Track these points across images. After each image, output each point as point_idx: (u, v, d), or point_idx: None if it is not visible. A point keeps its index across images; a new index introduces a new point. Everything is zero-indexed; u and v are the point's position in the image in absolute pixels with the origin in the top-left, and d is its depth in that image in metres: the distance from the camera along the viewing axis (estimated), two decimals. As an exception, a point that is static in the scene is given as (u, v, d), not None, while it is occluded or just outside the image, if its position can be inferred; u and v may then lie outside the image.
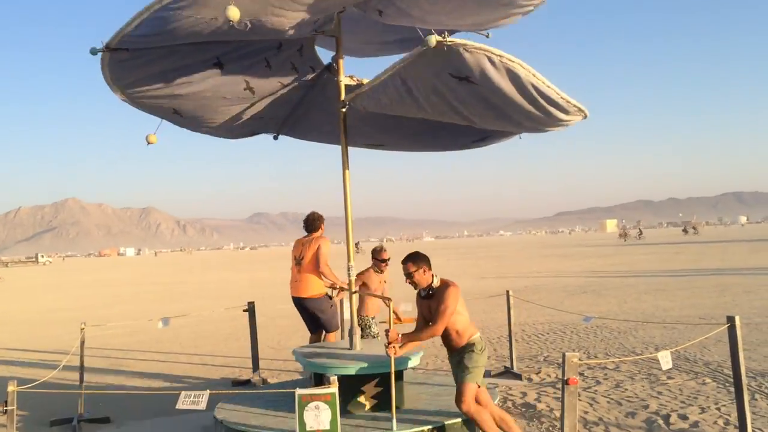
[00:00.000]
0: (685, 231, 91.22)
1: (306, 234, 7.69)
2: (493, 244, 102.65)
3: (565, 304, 15.78)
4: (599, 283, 21.50)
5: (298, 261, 7.51)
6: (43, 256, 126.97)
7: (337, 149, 6.67)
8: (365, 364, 5.41)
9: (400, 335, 5.02)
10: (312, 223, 7.69)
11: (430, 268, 5.04)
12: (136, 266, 78.55)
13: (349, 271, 6.50)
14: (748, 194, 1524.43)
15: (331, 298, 7.54)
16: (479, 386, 4.92)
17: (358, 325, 7.30)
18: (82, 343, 7.35)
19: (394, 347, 4.96)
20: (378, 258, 7.98)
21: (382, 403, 5.53)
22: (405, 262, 5.07)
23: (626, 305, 15.18)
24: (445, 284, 4.99)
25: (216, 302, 20.89)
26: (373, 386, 5.55)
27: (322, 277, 7.42)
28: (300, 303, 7.50)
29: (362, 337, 7.39)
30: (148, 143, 6.48)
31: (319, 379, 5.58)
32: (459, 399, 4.77)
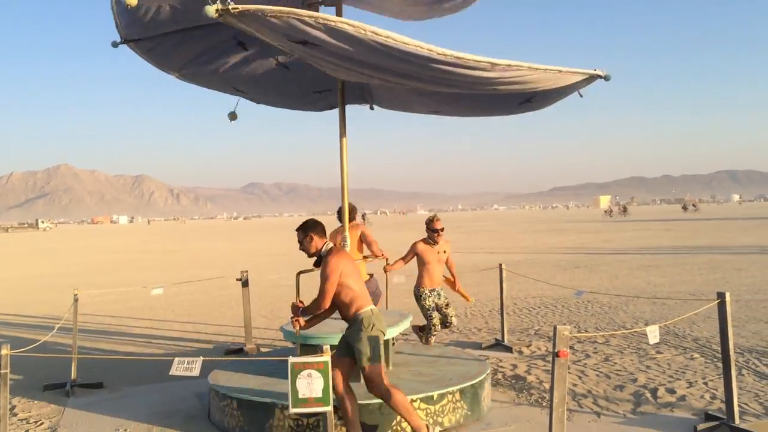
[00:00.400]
0: (684, 208, 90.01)
1: (341, 224, 7.10)
2: (486, 218, 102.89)
3: (557, 278, 15.88)
4: (591, 259, 21.62)
5: None
6: (43, 222, 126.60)
7: (334, 120, 6.64)
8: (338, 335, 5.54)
9: (301, 308, 4.87)
10: (348, 213, 7.03)
11: (320, 237, 4.88)
12: (130, 234, 78.48)
13: (344, 243, 6.51)
14: (741, 173, 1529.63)
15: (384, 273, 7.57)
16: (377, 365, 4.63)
17: (424, 299, 7.48)
18: (75, 308, 7.36)
19: (297, 321, 4.82)
20: (431, 228, 7.68)
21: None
22: (296, 230, 5.00)
23: (618, 281, 15.29)
24: (327, 253, 4.80)
25: (209, 271, 20.92)
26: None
27: (379, 255, 7.17)
28: None
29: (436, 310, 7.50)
30: (231, 120, 6.61)
31: (305, 349, 5.74)
32: (369, 386, 4.58)
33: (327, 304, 4.67)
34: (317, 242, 4.85)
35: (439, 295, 7.62)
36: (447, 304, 7.62)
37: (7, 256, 37.29)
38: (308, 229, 4.85)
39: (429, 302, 7.53)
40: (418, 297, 7.60)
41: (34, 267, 26.88)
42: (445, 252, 7.72)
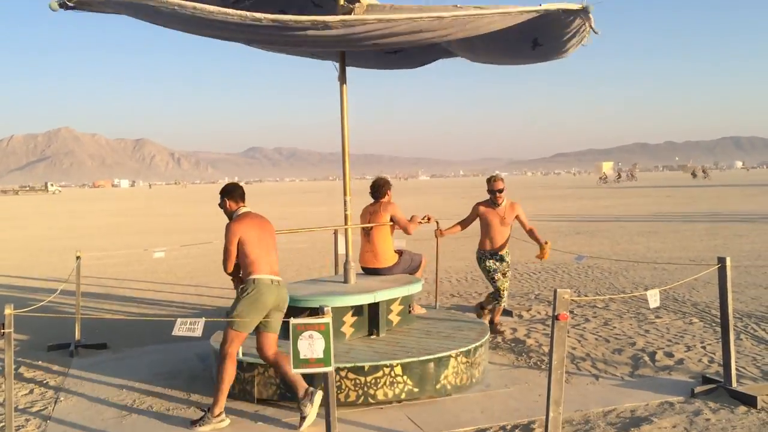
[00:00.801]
0: (693, 175, 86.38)
1: (372, 201, 6.93)
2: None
3: (558, 244, 15.91)
4: (593, 225, 21.65)
5: (366, 231, 6.83)
6: (53, 185, 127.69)
7: (335, 84, 6.56)
8: (336, 297, 5.65)
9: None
10: (379, 189, 6.89)
11: (235, 201, 5.11)
12: (132, 198, 78.54)
13: (345, 205, 6.50)
14: (745, 139, 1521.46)
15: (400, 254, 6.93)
16: (265, 334, 4.83)
17: (482, 261, 7.39)
18: (78, 269, 7.40)
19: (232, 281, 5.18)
20: (489, 189, 7.44)
21: (357, 332, 5.77)
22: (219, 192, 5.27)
23: (618, 246, 15.32)
24: (232, 219, 5.02)
25: (211, 235, 20.97)
26: (350, 316, 5.76)
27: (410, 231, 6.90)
28: (376, 273, 6.80)
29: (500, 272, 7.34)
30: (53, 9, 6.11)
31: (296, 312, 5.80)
32: (222, 342, 4.84)
33: (228, 267, 4.97)
34: (231, 205, 5.12)
35: (501, 259, 7.37)
36: (505, 273, 7.36)
37: (15, 218, 37.37)
38: (224, 193, 5.15)
39: (489, 264, 7.32)
40: (479, 260, 7.47)
41: (38, 229, 26.96)
42: (506, 216, 7.35)
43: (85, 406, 5.32)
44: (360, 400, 5.03)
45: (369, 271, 6.82)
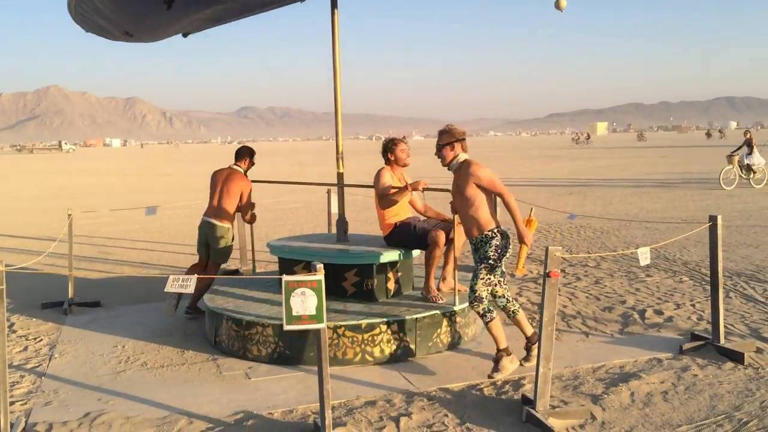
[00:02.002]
0: (708, 135, 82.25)
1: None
2: (482, 144, 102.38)
3: (551, 203, 15.95)
4: (585, 185, 21.67)
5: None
6: (66, 144, 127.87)
7: (327, 43, 6.45)
8: (330, 255, 5.70)
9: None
10: (384, 150, 6.16)
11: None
12: (124, 157, 77.97)
13: (338, 163, 6.45)
14: (740, 99, 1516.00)
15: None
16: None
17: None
18: (71, 227, 7.38)
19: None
20: None
21: (358, 291, 5.76)
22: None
23: (611, 206, 15.37)
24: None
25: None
26: (353, 275, 5.76)
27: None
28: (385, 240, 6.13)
29: None
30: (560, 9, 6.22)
31: (283, 264, 6.08)
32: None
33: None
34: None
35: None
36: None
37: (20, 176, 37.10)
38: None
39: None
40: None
41: (29, 189, 26.80)
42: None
43: (80, 362, 5.36)
44: (357, 358, 5.08)
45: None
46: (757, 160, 19.45)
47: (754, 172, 19.35)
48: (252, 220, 6.88)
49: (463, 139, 5.04)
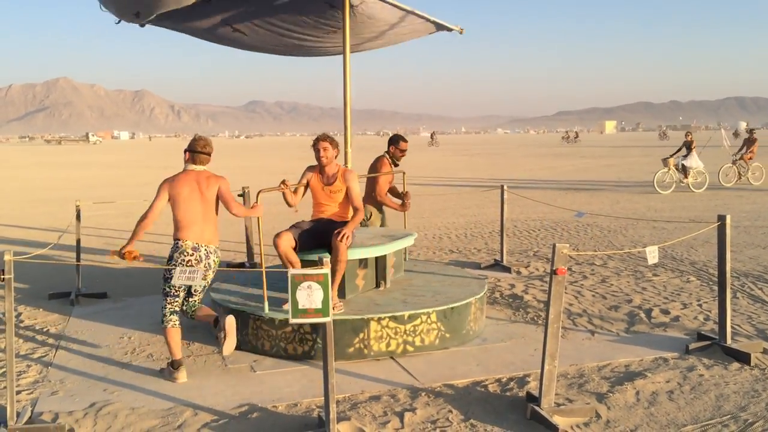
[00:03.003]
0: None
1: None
2: (489, 142, 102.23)
3: (559, 201, 15.91)
4: (593, 183, 21.60)
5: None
6: (93, 135, 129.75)
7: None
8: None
9: None
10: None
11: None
12: (133, 150, 78.21)
13: (345, 158, 6.46)
14: (749, 99, 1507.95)
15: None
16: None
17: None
18: (78, 219, 7.41)
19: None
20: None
21: (368, 283, 5.83)
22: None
23: (618, 205, 15.32)
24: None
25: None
26: (360, 268, 5.79)
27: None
28: None
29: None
30: None
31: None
32: None
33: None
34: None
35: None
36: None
37: (10, 168, 37.26)
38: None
39: None
40: None
41: (40, 180, 26.91)
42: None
43: (86, 353, 5.39)
44: (399, 349, 5.16)
45: None
46: (694, 163, 18.45)
47: (691, 176, 18.46)
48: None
49: None
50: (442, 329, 5.35)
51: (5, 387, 3.94)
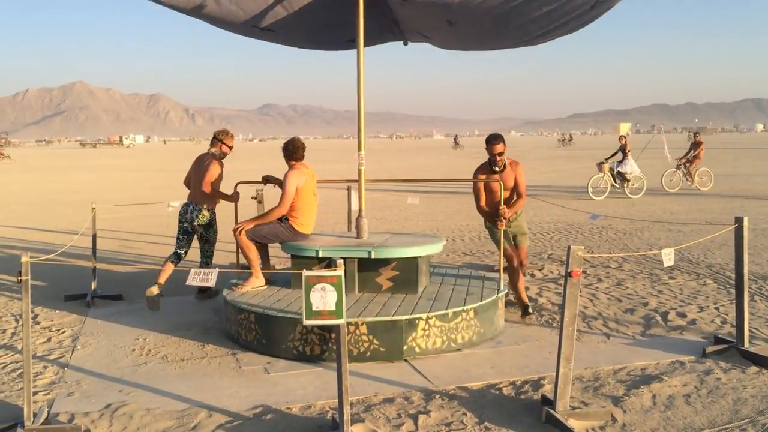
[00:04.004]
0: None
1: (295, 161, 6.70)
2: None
3: (573, 204, 15.81)
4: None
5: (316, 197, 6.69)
6: (126, 138, 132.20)
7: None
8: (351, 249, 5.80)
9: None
10: (299, 150, 6.58)
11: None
12: (147, 153, 78.83)
13: (360, 161, 6.45)
14: (767, 101, 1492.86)
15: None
16: None
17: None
18: (94, 221, 7.47)
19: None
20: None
21: (396, 285, 5.86)
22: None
23: (633, 208, 15.21)
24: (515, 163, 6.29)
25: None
26: (390, 269, 5.85)
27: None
28: None
29: None
30: None
31: (296, 261, 6.13)
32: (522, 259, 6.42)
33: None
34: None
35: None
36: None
37: (23, 171, 37.65)
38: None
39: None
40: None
41: (55, 183, 27.17)
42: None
43: (102, 354, 5.42)
44: (444, 346, 5.30)
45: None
46: (630, 168, 17.80)
47: (628, 181, 17.81)
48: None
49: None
50: (477, 325, 5.50)
51: (22, 388, 3.98)
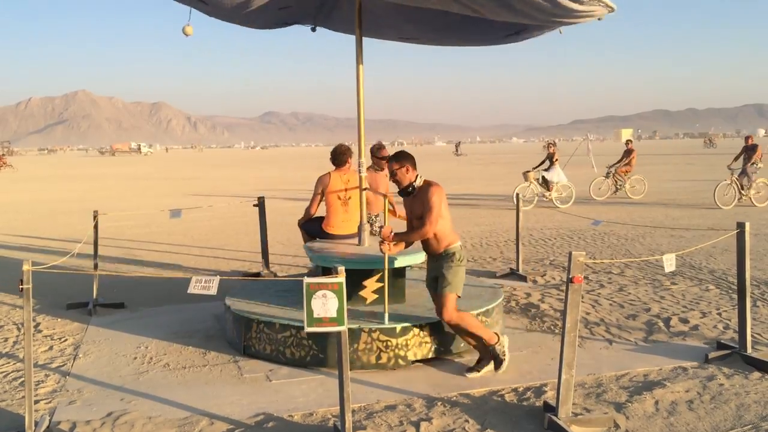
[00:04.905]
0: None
1: (335, 167, 6.99)
2: (504, 151, 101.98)
3: (574, 210, 15.80)
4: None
5: (344, 200, 6.84)
6: (144, 146, 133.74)
7: (351, 47, 6.46)
8: (366, 259, 5.64)
9: (392, 233, 5.06)
10: (339, 156, 6.96)
11: (413, 168, 5.04)
12: (150, 161, 78.98)
13: (359, 168, 6.46)
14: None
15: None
16: (459, 296, 4.95)
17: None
18: (96, 229, 7.48)
19: (387, 245, 5.05)
20: (377, 156, 7.75)
21: (381, 298, 5.70)
22: (389, 160, 5.13)
23: (635, 213, 15.20)
24: (428, 184, 4.97)
25: (227, 199, 21.08)
26: (374, 281, 5.68)
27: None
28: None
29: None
30: (186, 35, 6.35)
31: (326, 272, 5.77)
32: (440, 311, 4.89)
33: (431, 232, 4.90)
34: (412, 174, 5.02)
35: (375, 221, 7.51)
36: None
37: (26, 180, 37.74)
38: (404, 160, 5.01)
39: None
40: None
41: (57, 192, 27.23)
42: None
43: (104, 362, 5.42)
44: (391, 363, 5.12)
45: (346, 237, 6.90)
46: (557, 177, 17.17)
47: (550, 190, 17.15)
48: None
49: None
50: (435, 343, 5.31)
51: (24, 396, 3.97)
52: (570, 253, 3.90)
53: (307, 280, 3.57)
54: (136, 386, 4.84)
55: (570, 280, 3.90)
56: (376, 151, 7.83)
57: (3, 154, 58.14)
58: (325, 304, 3.54)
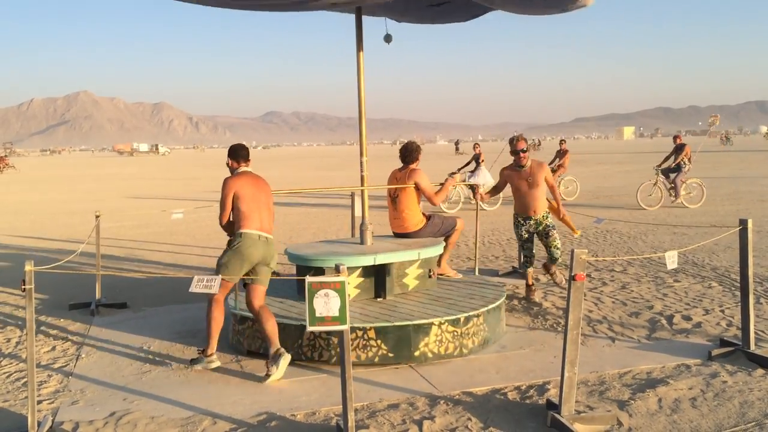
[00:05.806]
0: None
1: (402, 165, 6.83)
2: (505, 149, 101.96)
3: (577, 208, 15.78)
4: (612, 189, 21.41)
5: (393, 196, 6.71)
6: (162, 147, 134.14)
7: (351, 49, 6.45)
8: (342, 257, 5.67)
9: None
10: (410, 153, 6.74)
11: (237, 161, 5.37)
12: (152, 161, 79.08)
13: (362, 166, 6.46)
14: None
15: (429, 218, 6.83)
16: (252, 286, 5.16)
17: (515, 227, 7.28)
18: (98, 228, 7.48)
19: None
20: (512, 150, 7.23)
21: (362, 292, 5.85)
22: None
23: (637, 212, 15.17)
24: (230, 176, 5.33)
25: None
26: (355, 277, 5.79)
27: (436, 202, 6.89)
28: (404, 237, 6.74)
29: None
30: (387, 42, 6.68)
31: (301, 270, 6.02)
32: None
33: (223, 220, 5.30)
34: (233, 164, 5.40)
35: (537, 223, 7.13)
36: (547, 234, 7.12)
37: (29, 181, 37.78)
38: (228, 153, 5.44)
39: (520, 231, 7.22)
40: (514, 224, 7.38)
41: (60, 194, 27.26)
42: (535, 176, 7.04)
43: (106, 362, 5.42)
44: (456, 351, 5.27)
45: (398, 236, 6.75)
46: (483, 179, 16.52)
47: (476, 194, 16.51)
48: None
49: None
50: (486, 330, 5.49)
51: (26, 397, 3.98)
52: (572, 251, 3.90)
53: (309, 279, 3.56)
54: (139, 386, 4.84)
55: (572, 278, 3.89)
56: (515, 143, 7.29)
57: (5, 155, 58.17)
58: (327, 303, 3.53)
